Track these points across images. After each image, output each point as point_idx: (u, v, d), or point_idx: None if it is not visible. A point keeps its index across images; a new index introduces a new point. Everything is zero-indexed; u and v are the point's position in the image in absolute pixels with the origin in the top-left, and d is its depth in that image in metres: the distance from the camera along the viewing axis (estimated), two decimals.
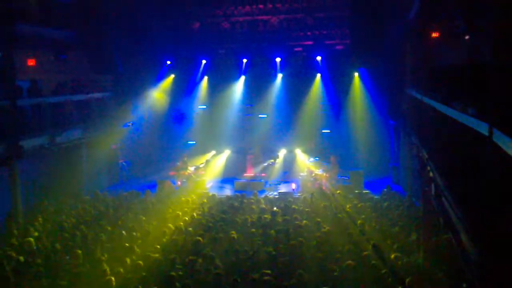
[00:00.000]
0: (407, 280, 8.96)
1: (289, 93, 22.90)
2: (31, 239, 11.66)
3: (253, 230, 12.35)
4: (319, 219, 13.10)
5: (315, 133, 22.79)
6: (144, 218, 14.17)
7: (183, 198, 16.82)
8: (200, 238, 11.48)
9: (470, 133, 6.38)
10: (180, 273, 9.60)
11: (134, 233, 12.44)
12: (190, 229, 12.56)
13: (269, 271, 9.41)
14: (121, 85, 21.91)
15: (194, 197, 17.39)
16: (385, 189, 17.81)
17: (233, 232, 12.11)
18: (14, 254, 10.64)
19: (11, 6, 14.85)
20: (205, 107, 24.00)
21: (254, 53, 23.01)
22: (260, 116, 23.31)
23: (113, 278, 9.06)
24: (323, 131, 22.81)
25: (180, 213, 14.61)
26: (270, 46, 22.72)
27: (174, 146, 23.18)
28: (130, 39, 21.13)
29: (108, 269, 9.53)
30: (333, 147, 21.95)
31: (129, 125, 21.87)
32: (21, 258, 10.41)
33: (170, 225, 13.15)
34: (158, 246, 11.35)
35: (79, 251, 10.77)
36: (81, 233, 12.35)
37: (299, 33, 22.76)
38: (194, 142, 23.77)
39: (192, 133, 23.97)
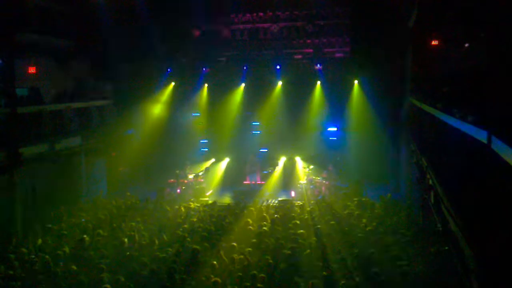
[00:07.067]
0: None
1: (289, 100, 22.85)
2: (26, 249, 11.60)
3: (254, 240, 12.30)
4: (318, 227, 13.05)
5: (315, 140, 22.75)
6: (143, 226, 14.14)
7: (182, 206, 16.79)
8: (198, 247, 11.44)
9: (469, 141, 6.39)
10: (182, 277, 9.57)
11: (134, 241, 12.40)
12: (189, 238, 12.52)
13: (264, 275, 9.43)
14: (121, 92, 21.97)
15: (194, 205, 17.35)
16: (383, 197, 17.70)
17: (232, 240, 12.07)
18: (13, 262, 10.61)
19: (12, 15, 14.93)
20: (199, 114, 24.11)
21: (254, 60, 23.06)
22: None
23: (108, 286, 9.03)
24: (323, 138, 22.80)
25: (180, 221, 14.58)
26: (270, 53, 22.82)
27: (174, 153, 23.09)
28: (130, 47, 21.19)
29: (107, 277, 9.50)
30: (333, 154, 21.91)
31: (129, 133, 21.85)
32: (21, 266, 10.38)
33: (169, 233, 13.14)
34: (158, 254, 11.31)
35: (79, 259, 10.75)
36: (80, 240, 12.30)
37: (299, 40, 22.86)
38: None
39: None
